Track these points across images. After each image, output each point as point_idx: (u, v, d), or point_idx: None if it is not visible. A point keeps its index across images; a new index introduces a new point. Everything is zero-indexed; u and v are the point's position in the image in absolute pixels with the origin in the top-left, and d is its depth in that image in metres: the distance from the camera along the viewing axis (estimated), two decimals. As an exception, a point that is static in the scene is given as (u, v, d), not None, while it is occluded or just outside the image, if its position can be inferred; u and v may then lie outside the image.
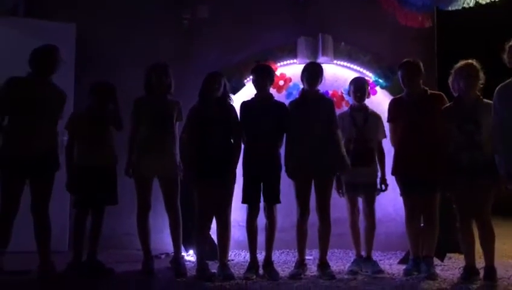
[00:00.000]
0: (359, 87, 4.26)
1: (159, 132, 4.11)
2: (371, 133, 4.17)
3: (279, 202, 4.05)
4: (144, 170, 4.10)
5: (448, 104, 3.97)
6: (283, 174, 4.07)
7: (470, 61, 3.86)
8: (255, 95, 4.19)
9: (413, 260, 4.12)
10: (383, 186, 4.22)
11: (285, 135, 4.11)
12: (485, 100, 3.82)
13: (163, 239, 4.69)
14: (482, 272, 3.78)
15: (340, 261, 4.37)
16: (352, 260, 4.27)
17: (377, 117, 4.26)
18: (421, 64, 4.15)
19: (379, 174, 4.24)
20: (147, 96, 4.20)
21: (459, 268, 4.03)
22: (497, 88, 3.69)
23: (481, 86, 3.85)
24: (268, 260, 4.03)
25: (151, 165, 4.09)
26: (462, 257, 4.04)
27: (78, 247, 4.05)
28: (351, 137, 4.16)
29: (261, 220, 4.09)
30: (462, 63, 3.88)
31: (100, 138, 4.08)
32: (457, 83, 3.86)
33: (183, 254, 4.37)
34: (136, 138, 4.13)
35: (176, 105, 4.22)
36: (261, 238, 4.10)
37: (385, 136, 4.27)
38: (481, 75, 3.85)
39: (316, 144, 3.99)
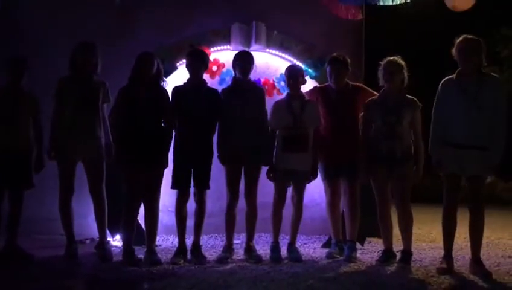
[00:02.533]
0: (292, 75, 4.23)
1: (83, 113, 3.99)
2: (308, 121, 4.13)
3: (209, 188, 4.07)
4: (67, 153, 3.98)
5: (374, 97, 4.15)
6: (212, 160, 4.09)
7: (393, 57, 4.03)
8: (188, 80, 4.15)
9: (335, 244, 4.31)
10: (311, 176, 4.18)
11: (218, 122, 4.11)
12: (408, 95, 4.03)
13: (88, 224, 4.55)
14: (399, 255, 4.01)
15: (267, 245, 4.46)
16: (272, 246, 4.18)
17: (313, 105, 4.22)
18: (349, 61, 4.28)
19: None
20: (72, 76, 4.05)
21: (378, 251, 4.25)
22: (442, 80, 3.81)
23: (403, 81, 4.01)
24: (196, 245, 4.06)
25: (75, 148, 3.97)
26: (381, 241, 4.26)
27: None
28: (288, 124, 4.10)
29: (190, 205, 4.10)
30: (386, 59, 4.04)
31: (12, 117, 3.90)
32: (382, 77, 4.04)
33: (109, 239, 4.31)
34: (59, 119, 3.99)
35: (102, 85, 4.10)
36: (189, 223, 4.11)
37: (321, 124, 4.23)
38: (404, 71, 4.01)
39: (247, 132, 4.05)
